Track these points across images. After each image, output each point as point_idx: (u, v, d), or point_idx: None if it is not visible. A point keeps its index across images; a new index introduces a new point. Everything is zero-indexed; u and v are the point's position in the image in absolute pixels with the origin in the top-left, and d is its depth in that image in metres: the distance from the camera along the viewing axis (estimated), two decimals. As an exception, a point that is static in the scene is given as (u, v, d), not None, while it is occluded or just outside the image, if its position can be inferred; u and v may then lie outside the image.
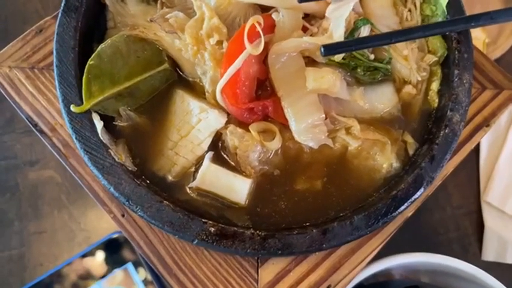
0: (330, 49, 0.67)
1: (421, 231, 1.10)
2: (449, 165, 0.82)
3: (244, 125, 0.73)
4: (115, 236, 1.01)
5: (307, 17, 0.77)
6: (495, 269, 1.07)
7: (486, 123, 0.86)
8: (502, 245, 1.08)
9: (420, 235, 1.10)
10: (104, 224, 1.05)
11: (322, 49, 0.66)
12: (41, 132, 0.81)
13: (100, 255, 1.00)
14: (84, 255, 1.00)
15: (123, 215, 0.77)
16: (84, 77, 0.70)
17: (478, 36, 1.18)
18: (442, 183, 0.83)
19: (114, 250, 1.01)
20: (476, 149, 1.16)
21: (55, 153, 0.81)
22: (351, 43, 0.71)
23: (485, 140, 1.16)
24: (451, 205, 1.13)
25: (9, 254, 1.04)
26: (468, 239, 1.11)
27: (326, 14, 0.73)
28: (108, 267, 1.00)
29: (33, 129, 0.82)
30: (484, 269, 0.84)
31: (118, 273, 0.99)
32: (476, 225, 1.11)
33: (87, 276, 0.99)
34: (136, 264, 0.99)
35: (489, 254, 1.08)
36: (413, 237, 1.08)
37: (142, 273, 0.99)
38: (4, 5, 1.25)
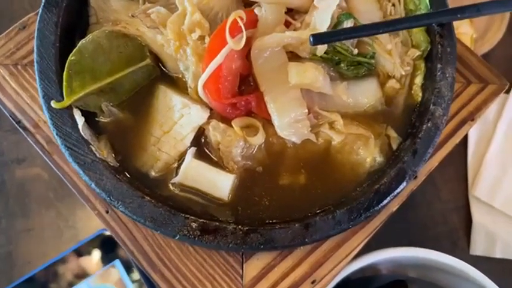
0: (319, 38, 0.67)
1: (409, 226, 1.11)
2: (435, 160, 0.83)
3: (227, 120, 0.73)
4: (106, 233, 1.02)
5: (290, 12, 0.76)
6: (483, 263, 1.08)
7: (471, 117, 0.86)
8: (489, 240, 1.08)
9: (409, 229, 1.10)
10: (92, 221, 1.05)
11: (311, 38, 0.66)
12: (24, 129, 0.81)
13: (96, 254, 1.01)
14: (80, 254, 1.01)
15: (107, 212, 0.77)
16: (64, 72, 0.70)
17: (466, 31, 1.18)
18: (431, 178, 0.84)
19: (110, 249, 1.01)
20: (464, 144, 1.16)
21: (38, 150, 0.81)
22: (341, 32, 0.72)
23: (473, 135, 1.16)
24: (439, 200, 1.14)
25: (-4, 252, 1.04)
26: (457, 233, 1.12)
27: (314, 3, 0.72)
28: (103, 265, 1.00)
29: (16, 126, 0.82)
30: (472, 264, 0.85)
31: (113, 271, 0.99)
32: (465, 219, 1.12)
33: (83, 275, 1.00)
34: (130, 264, 0.99)
35: (477, 248, 1.09)
36: (401, 232, 1.08)
37: (137, 274, 0.99)
38: (-10, 2, 1.24)
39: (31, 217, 1.06)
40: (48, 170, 1.08)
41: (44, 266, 1.00)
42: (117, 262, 1.00)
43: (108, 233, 1.01)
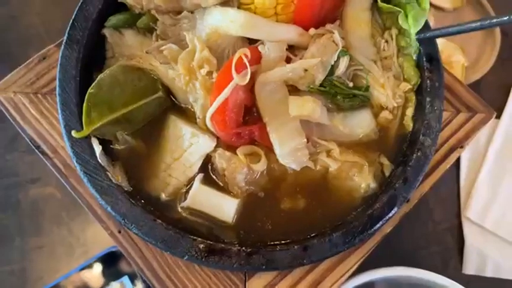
0: (421, 33, 0.80)
1: (404, 245, 1.15)
2: (426, 184, 0.88)
3: (232, 149, 0.78)
4: (114, 250, 1.05)
5: (291, 48, 0.83)
6: (475, 282, 1.12)
7: (460, 144, 0.92)
8: (481, 259, 1.13)
9: (403, 249, 1.14)
10: (101, 239, 1.09)
11: (416, 35, 0.79)
12: (43, 153, 0.87)
13: (97, 267, 1.05)
14: (82, 268, 1.04)
15: (119, 231, 0.81)
16: (84, 104, 0.75)
17: (458, 59, 1.24)
18: (424, 199, 0.88)
19: (112, 263, 1.05)
20: (457, 167, 1.21)
21: (56, 173, 0.86)
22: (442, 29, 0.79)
23: (465, 158, 1.21)
24: (433, 220, 1.18)
25: (10, 268, 1.08)
26: (449, 253, 1.16)
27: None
28: (105, 280, 1.04)
29: (36, 150, 0.87)
30: (465, 282, 0.88)
31: (115, 286, 1.04)
32: (458, 239, 1.16)
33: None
34: (133, 277, 1.04)
35: (469, 267, 1.13)
36: (396, 251, 1.12)
37: (139, 286, 1.03)
38: (8, 29, 1.30)
39: (44, 235, 1.11)
40: (61, 189, 1.13)
41: (55, 282, 1.04)
42: (126, 278, 1.04)
43: (113, 250, 1.05)
